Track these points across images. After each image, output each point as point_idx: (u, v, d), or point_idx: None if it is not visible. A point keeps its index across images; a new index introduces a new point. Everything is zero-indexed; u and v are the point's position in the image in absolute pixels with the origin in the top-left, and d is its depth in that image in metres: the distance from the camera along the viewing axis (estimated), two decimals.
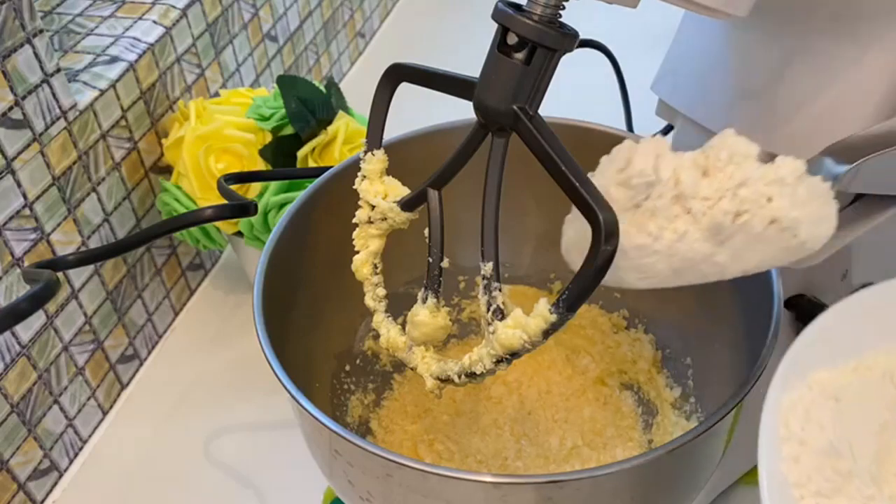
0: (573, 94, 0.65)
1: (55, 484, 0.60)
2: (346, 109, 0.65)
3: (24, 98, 0.52)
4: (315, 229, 0.49)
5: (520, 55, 0.34)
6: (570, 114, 0.51)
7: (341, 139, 0.61)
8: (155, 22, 0.65)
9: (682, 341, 0.53)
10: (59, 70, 0.54)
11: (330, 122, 0.62)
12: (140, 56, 0.62)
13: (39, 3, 0.67)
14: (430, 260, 0.41)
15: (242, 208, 0.47)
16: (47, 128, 0.54)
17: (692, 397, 0.51)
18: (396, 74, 0.40)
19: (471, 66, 0.39)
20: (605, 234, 0.30)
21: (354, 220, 0.43)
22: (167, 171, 0.67)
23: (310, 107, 0.62)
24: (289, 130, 0.62)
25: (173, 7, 0.66)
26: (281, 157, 0.62)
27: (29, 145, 0.53)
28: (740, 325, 0.46)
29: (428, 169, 0.41)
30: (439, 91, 0.39)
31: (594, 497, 0.38)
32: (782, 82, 0.45)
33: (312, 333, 0.50)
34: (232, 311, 0.72)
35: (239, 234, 0.63)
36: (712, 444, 0.40)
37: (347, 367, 0.54)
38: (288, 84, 0.62)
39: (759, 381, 0.38)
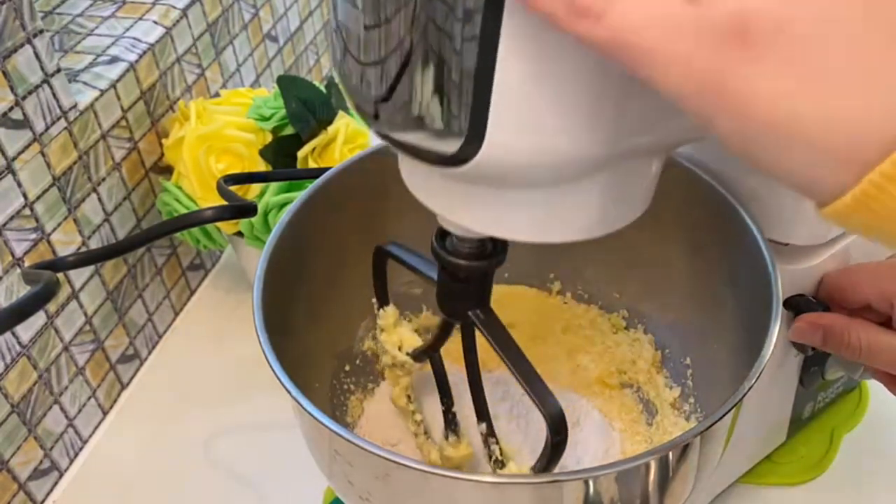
0: None
1: (55, 484, 0.60)
2: (347, 110, 0.65)
3: (24, 98, 0.52)
4: (315, 229, 0.49)
5: (461, 278, 0.39)
6: None
7: (341, 139, 0.61)
8: (155, 22, 0.65)
9: (682, 341, 0.53)
10: (59, 70, 0.54)
11: (330, 123, 0.62)
12: (140, 56, 0.62)
13: (39, 3, 0.67)
14: (443, 408, 0.49)
15: (242, 209, 0.47)
16: (48, 128, 0.54)
17: (692, 397, 0.51)
18: (381, 256, 0.46)
19: None
20: (552, 427, 0.36)
21: (384, 363, 0.50)
22: (167, 171, 0.67)
23: (310, 107, 0.62)
24: (289, 130, 0.62)
25: (173, 7, 0.66)
26: (281, 157, 0.62)
27: (29, 145, 0.53)
28: (740, 325, 0.46)
29: None
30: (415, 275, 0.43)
31: (593, 497, 0.38)
32: None
33: (312, 334, 0.50)
34: (232, 311, 0.72)
35: (239, 234, 0.63)
36: (712, 444, 0.40)
37: (347, 367, 0.54)
38: (288, 84, 0.62)
39: (758, 380, 0.38)
